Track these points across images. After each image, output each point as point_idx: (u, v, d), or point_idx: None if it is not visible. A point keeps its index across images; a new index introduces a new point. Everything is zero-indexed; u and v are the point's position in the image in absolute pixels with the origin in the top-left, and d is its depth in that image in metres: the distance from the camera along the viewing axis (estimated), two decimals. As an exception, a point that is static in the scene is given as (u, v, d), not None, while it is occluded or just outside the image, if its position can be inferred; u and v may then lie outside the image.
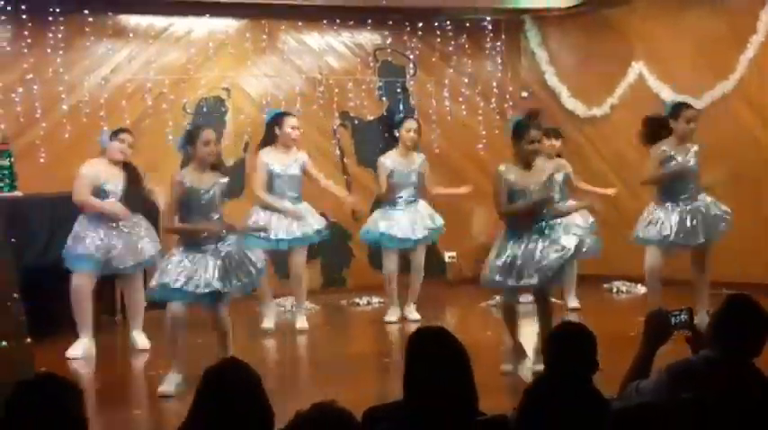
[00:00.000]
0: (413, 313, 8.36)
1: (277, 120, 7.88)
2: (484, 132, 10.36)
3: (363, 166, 10.00)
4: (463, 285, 9.47)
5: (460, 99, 10.34)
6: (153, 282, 5.96)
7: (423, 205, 8.27)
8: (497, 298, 8.87)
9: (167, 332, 5.92)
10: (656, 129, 7.06)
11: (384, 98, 10.14)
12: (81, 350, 7.05)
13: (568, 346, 3.25)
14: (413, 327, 8.12)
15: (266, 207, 7.77)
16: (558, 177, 7.96)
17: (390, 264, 8.23)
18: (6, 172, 7.73)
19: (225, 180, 6.13)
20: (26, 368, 5.12)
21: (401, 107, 10.11)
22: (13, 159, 7.83)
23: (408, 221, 8.13)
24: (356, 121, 10.01)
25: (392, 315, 8.31)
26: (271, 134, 7.87)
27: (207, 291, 5.82)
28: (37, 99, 8.71)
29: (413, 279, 8.37)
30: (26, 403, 2.66)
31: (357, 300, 9.15)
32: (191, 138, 6.04)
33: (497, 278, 6.01)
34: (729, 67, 9.01)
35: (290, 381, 6.38)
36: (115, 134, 7.29)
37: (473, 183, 8.51)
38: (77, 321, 7.11)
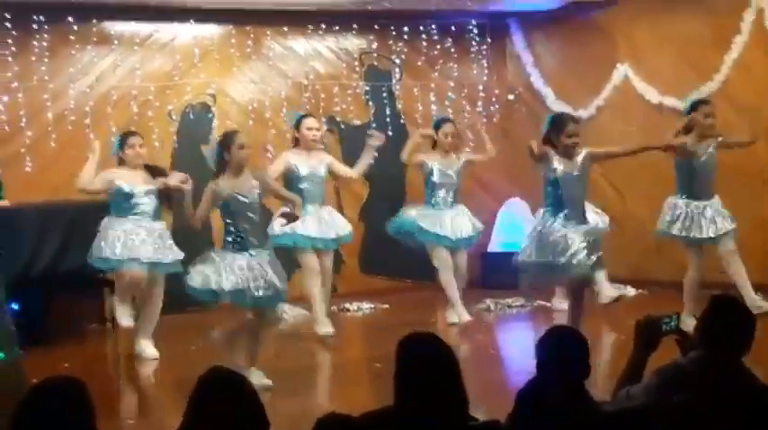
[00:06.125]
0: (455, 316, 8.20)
1: (297, 122, 7.94)
2: (470, 136, 10.37)
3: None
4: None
5: (446, 103, 10.34)
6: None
7: (463, 208, 8.29)
8: (487, 301, 8.88)
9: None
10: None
11: (370, 103, 10.14)
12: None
13: (560, 350, 3.26)
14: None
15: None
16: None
17: (443, 261, 8.12)
18: (-9, 181, 7.68)
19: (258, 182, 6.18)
20: (18, 380, 5.08)
21: (387, 112, 10.11)
22: (-2, 169, 7.80)
23: (450, 220, 8.13)
24: (343, 126, 10.01)
25: (454, 316, 8.14)
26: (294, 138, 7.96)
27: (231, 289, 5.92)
28: (22, 107, 8.66)
29: (457, 282, 8.22)
30: (42, 406, 2.66)
31: (348, 306, 9.11)
32: (225, 144, 6.08)
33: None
34: (714, 67, 9.04)
35: (283, 388, 6.36)
36: (124, 140, 7.20)
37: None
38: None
